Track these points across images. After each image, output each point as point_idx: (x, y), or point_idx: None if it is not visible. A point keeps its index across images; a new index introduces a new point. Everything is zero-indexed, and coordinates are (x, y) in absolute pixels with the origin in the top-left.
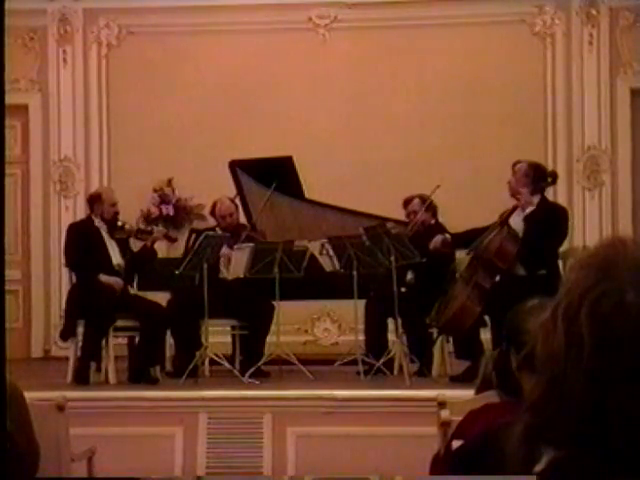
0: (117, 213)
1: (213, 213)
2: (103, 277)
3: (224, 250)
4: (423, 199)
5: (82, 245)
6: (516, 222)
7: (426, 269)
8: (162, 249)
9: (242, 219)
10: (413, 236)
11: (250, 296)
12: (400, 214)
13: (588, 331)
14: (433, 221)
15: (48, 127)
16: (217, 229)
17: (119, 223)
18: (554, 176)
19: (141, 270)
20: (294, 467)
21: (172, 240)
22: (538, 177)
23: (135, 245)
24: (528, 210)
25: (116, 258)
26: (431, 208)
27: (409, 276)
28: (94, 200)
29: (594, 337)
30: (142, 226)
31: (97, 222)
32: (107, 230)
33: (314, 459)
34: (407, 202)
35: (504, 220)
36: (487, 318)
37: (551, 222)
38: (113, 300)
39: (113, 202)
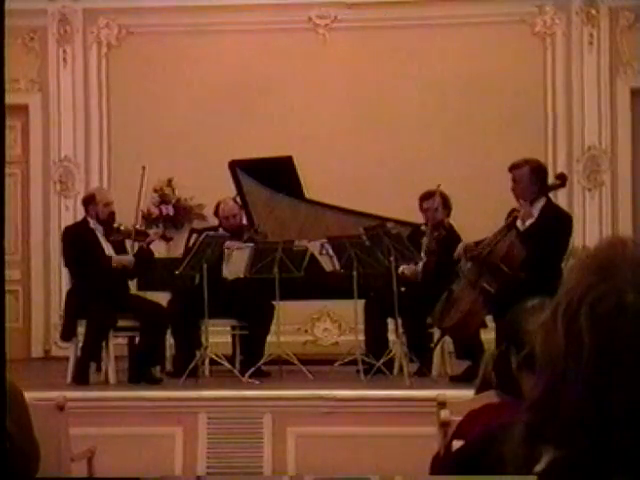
0: (113, 213)
1: (217, 214)
2: (115, 257)
3: (228, 244)
4: (444, 197)
5: (78, 248)
6: (523, 225)
7: (432, 269)
8: (162, 249)
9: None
10: (439, 239)
11: (250, 296)
12: (400, 214)
13: (588, 331)
14: (447, 220)
15: (48, 127)
16: (220, 229)
17: (115, 225)
18: (563, 179)
19: (140, 272)
20: (294, 467)
21: (168, 239)
22: (542, 180)
23: (130, 246)
24: (528, 222)
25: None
26: (448, 207)
27: (419, 268)
28: (88, 201)
29: (594, 337)
30: (139, 227)
31: (92, 224)
32: (103, 232)
33: (314, 459)
34: (427, 196)
35: (511, 223)
36: (488, 319)
37: (552, 232)
38: (113, 299)
39: (107, 202)
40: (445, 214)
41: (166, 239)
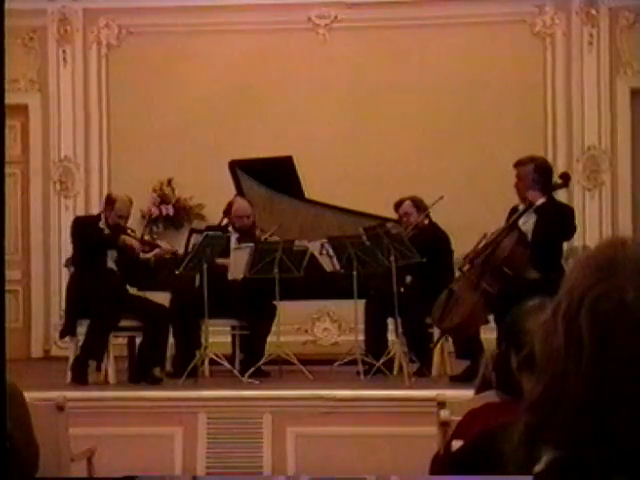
0: (121, 225)
1: (228, 212)
2: (126, 238)
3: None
4: (414, 201)
5: (84, 240)
6: (525, 224)
7: (425, 269)
8: None
9: None
10: (410, 239)
11: (252, 296)
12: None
13: (588, 331)
14: (427, 221)
15: (48, 127)
16: (230, 229)
17: (128, 231)
18: (566, 178)
19: (140, 276)
20: (294, 467)
21: (177, 256)
22: (546, 178)
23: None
24: (539, 202)
25: (112, 261)
26: (423, 209)
27: (408, 279)
28: (107, 203)
29: (594, 337)
30: (147, 237)
31: (102, 223)
32: (108, 233)
33: (314, 459)
34: (398, 205)
35: (513, 222)
36: (491, 318)
37: (561, 217)
38: (115, 298)
39: (122, 215)
40: (421, 217)
41: (176, 256)
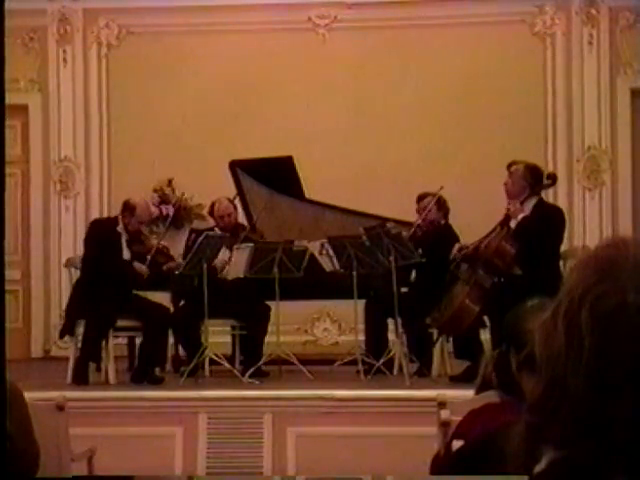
0: (140, 231)
1: (212, 213)
2: (136, 264)
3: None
4: (438, 198)
5: (100, 242)
6: (515, 224)
7: (427, 269)
8: None
9: (242, 219)
10: (422, 235)
11: (246, 297)
12: (400, 214)
13: (588, 331)
14: (443, 221)
15: (48, 127)
16: (216, 229)
17: (142, 237)
18: (553, 178)
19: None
20: (294, 467)
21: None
22: (535, 180)
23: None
24: (520, 217)
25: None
26: (443, 208)
27: (413, 275)
28: (128, 209)
29: (594, 337)
30: (161, 244)
31: (120, 228)
32: (127, 239)
33: (314, 459)
34: (421, 198)
35: (503, 221)
36: (486, 319)
37: (544, 226)
38: (114, 302)
39: (142, 220)
40: (439, 215)
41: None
